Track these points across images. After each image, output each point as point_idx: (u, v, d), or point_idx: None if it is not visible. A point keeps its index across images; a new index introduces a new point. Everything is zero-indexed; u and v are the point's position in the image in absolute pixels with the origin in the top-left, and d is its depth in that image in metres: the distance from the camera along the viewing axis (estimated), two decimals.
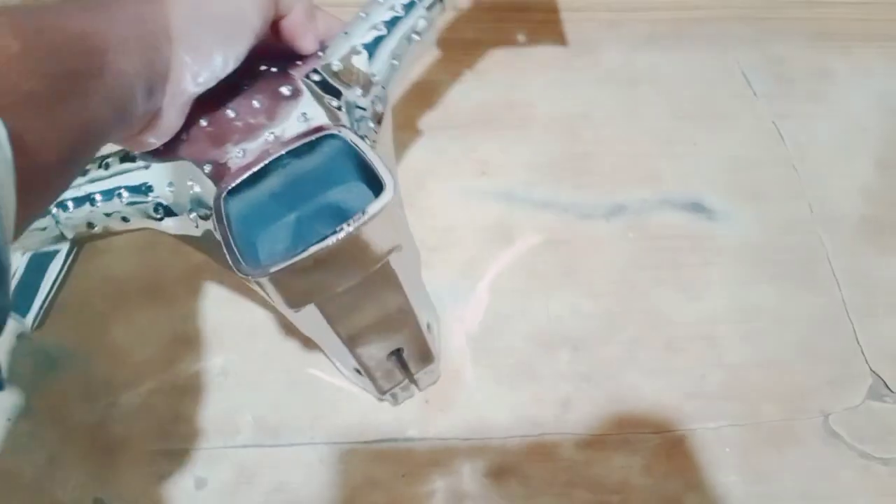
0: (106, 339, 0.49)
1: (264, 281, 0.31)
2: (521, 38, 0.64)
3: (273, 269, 0.31)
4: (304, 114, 0.36)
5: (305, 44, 0.39)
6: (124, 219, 0.39)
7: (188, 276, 0.51)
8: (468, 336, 0.50)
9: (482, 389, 0.48)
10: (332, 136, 0.35)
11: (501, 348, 0.49)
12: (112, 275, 0.51)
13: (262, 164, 0.34)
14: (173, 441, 0.46)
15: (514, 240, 0.54)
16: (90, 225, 0.39)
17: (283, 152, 0.35)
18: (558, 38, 0.64)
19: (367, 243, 0.33)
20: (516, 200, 0.55)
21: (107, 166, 0.39)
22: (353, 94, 0.39)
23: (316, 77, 0.38)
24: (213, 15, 0.34)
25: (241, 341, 0.48)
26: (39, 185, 0.27)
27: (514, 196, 0.56)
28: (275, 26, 0.38)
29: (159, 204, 0.38)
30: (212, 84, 0.35)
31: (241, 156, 0.35)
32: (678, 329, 0.50)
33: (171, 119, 0.35)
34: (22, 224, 0.26)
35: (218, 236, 0.34)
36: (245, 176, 0.34)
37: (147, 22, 0.32)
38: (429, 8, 0.42)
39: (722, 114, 0.59)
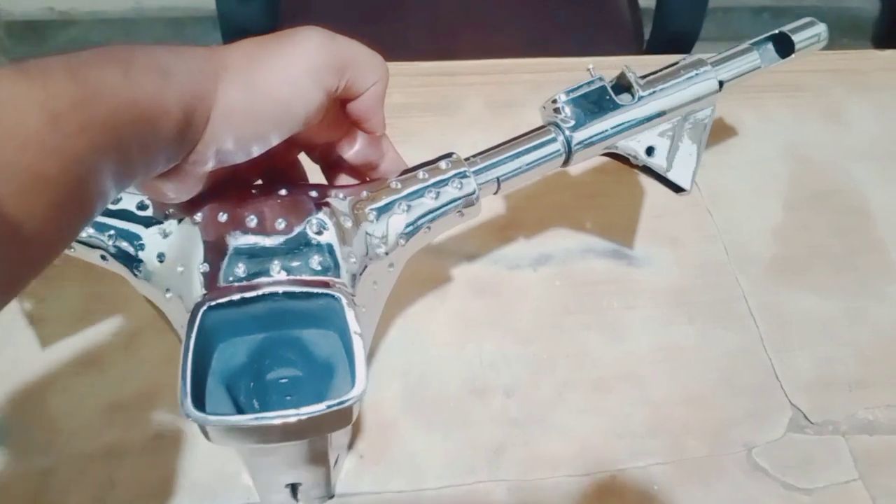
0: (42, 407, 0.49)
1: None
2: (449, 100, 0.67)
3: (212, 422, 0.31)
4: (320, 261, 0.36)
5: (374, 126, 0.39)
6: (103, 258, 0.39)
7: (124, 343, 0.51)
8: (402, 388, 0.51)
9: (416, 439, 0.49)
10: (332, 296, 0.35)
11: (435, 398, 0.51)
12: (49, 344, 0.51)
13: (255, 293, 0.34)
14: None
15: (448, 292, 0.56)
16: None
17: (279, 291, 0.35)
18: (484, 97, 0.67)
19: (313, 429, 0.33)
20: (449, 254, 0.57)
21: (116, 201, 0.39)
22: (373, 251, 0.39)
23: (347, 223, 0.38)
24: (265, 97, 0.33)
25: (176, 404, 0.49)
26: (28, 271, 0.26)
27: (446, 250, 0.58)
28: (341, 105, 0.38)
29: (142, 262, 0.38)
30: (237, 162, 0.34)
31: (240, 272, 0.35)
32: (604, 370, 0.52)
33: (188, 182, 0.34)
34: None
35: (181, 334, 0.34)
36: (234, 297, 0.34)
37: (195, 96, 0.31)
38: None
39: None
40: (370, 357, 0.51)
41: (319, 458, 0.40)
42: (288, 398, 0.40)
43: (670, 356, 0.53)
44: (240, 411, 0.36)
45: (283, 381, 0.38)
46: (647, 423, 0.50)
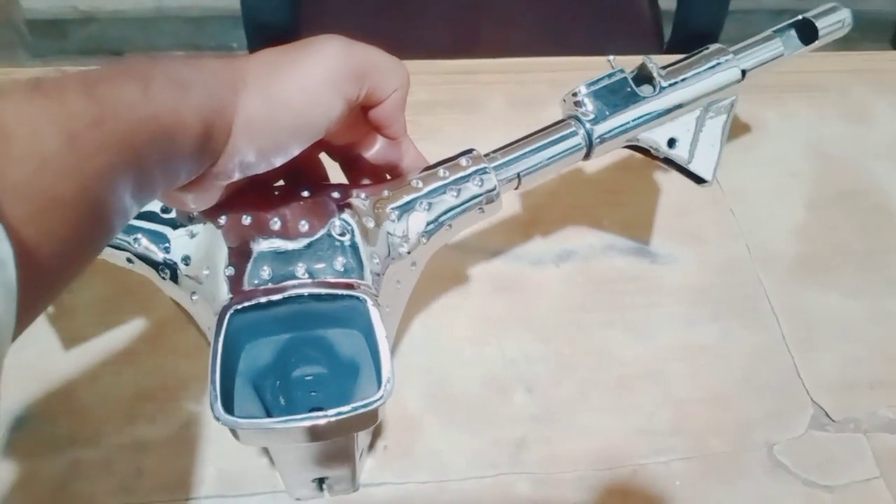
0: (70, 397, 0.50)
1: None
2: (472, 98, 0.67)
3: (243, 425, 0.32)
4: (344, 262, 0.36)
5: (395, 132, 0.38)
6: (129, 260, 0.40)
7: (152, 334, 0.52)
8: (425, 383, 0.51)
9: (439, 434, 0.49)
10: (357, 297, 0.35)
11: (458, 393, 0.51)
12: (76, 334, 0.52)
13: (281, 296, 0.35)
14: (137, 496, 0.46)
15: (470, 289, 0.56)
16: None
17: (304, 293, 0.35)
18: (506, 95, 0.68)
19: (341, 429, 0.33)
20: (471, 250, 0.58)
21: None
22: (395, 250, 0.39)
23: (370, 224, 0.38)
24: (285, 108, 0.33)
25: (202, 394, 0.50)
26: (50, 291, 0.26)
27: (468, 247, 0.58)
28: (362, 110, 0.38)
29: (168, 265, 0.38)
30: (259, 172, 0.34)
31: (265, 275, 0.35)
32: (626, 368, 0.52)
33: (209, 193, 0.34)
34: (20, 332, 0.24)
35: (208, 336, 0.35)
36: (260, 301, 0.35)
37: (215, 110, 0.30)
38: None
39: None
40: (393, 353, 0.52)
41: (346, 455, 0.40)
42: (313, 394, 0.40)
43: (692, 354, 0.53)
44: (266, 409, 0.37)
45: (309, 378, 0.39)
46: (670, 421, 0.50)
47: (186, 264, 0.38)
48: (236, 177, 0.34)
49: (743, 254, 0.58)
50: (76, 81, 0.25)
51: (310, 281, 0.35)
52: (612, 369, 0.52)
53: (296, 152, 0.35)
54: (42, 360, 0.51)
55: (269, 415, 0.37)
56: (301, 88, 0.33)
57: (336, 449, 0.39)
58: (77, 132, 0.24)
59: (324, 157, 0.44)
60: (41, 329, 0.52)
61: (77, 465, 0.47)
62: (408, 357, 0.52)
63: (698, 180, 0.49)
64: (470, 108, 0.67)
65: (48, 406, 0.49)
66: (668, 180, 0.61)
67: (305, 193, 0.38)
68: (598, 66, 0.49)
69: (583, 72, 0.49)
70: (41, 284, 0.25)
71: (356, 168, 0.43)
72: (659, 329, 0.54)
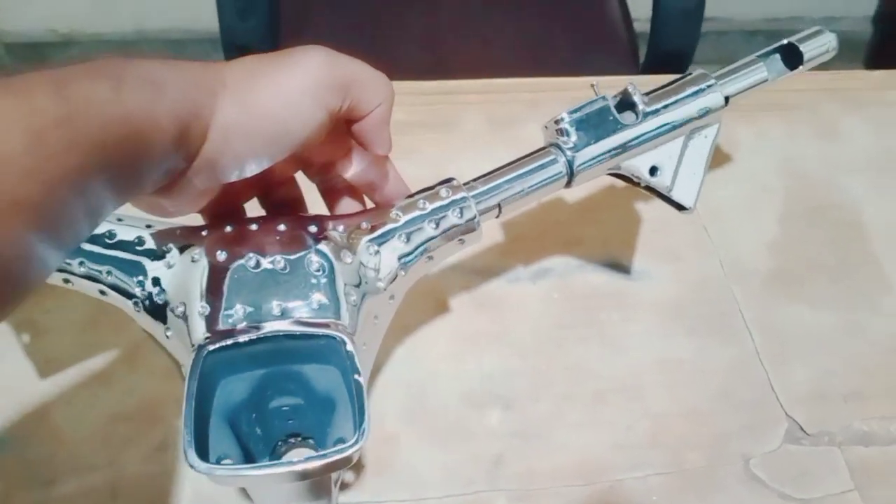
0: (45, 420, 0.49)
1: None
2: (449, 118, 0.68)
3: (218, 473, 0.31)
4: (320, 300, 0.35)
5: (380, 147, 0.38)
6: (102, 292, 0.39)
7: (128, 354, 0.52)
8: (403, 400, 0.51)
9: (417, 450, 0.49)
10: (333, 337, 0.35)
11: (436, 410, 0.51)
12: (52, 356, 0.52)
13: (256, 336, 0.34)
14: None
15: (448, 305, 0.56)
16: (66, 280, 0.39)
17: (280, 333, 0.34)
18: (484, 115, 0.68)
19: (316, 473, 0.32)
20: (448, 268, 0.58)
21: (112, 235, 0.39)
22: (373, 285, 0.39)
23: (347, 258, 0.38)
24: (263, 116, 0.33)
25: (178, 414, 0.49)
26: (9, 297, 0.25)
27: (446, 264, 0.58)
28: (345, 125, 0.37)
29: (142, 300, 0.38)
30: (235, 180, 0.34)
31: (240, 314, 0.34)
32: (603, 383, 0.53)
33: (186, 198, 0.33)
34: None
35: (183, 371, 0.34)
36: (236, 340, 0.34)
37: (190, 112, 0.30)
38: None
39: None
40: (370, 373, 0.52)
41: (323, 487, 0.39)
42: (290, 422, 0.40)
43: (668, 369, 0.54)
44: (242, 438, 0.37)
45: (285, 408, 0.39)
46: (646, 436, 0.51)
47: (161, 300, 0.37)
48: (208, 183, 0.33)
49: (717, 270, 0.59)
50: (46, 79, 0.25)
51: (286, 321, 0.35)
52: (589, 384, 0.53)
53: (272, 161, 0.34)
54: (17, 380, 0.50)
55: (244, 443, 0.37)
56: (281, 97, 0.33)
57: (313, 485, 0.38)
58: (42, 132, 0.24)
59: (302, 181, 0.44)
60: (16, 351, 0.51)
61: (52, 487, 0.47)
62: (386, 373, 0.52)
63: (679, 207, 0.49)
64: (448, 129, 0.68)
65: (23, 427, 0.49)
66: (644, 199, 0.62)
67: (282, 227, 0.38)
68: (576, 87, 0.50)
69: (561, 92, 0.50)
70: (2, 287, 0.24)
71: (335, 190, 0.43)
72: (635, 344, 0.55)
